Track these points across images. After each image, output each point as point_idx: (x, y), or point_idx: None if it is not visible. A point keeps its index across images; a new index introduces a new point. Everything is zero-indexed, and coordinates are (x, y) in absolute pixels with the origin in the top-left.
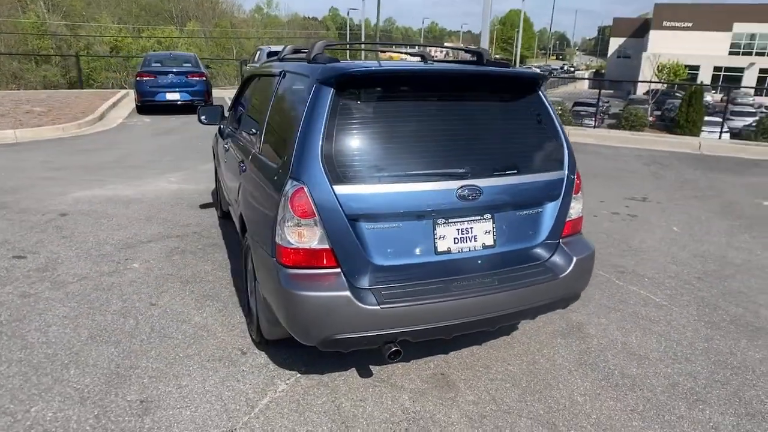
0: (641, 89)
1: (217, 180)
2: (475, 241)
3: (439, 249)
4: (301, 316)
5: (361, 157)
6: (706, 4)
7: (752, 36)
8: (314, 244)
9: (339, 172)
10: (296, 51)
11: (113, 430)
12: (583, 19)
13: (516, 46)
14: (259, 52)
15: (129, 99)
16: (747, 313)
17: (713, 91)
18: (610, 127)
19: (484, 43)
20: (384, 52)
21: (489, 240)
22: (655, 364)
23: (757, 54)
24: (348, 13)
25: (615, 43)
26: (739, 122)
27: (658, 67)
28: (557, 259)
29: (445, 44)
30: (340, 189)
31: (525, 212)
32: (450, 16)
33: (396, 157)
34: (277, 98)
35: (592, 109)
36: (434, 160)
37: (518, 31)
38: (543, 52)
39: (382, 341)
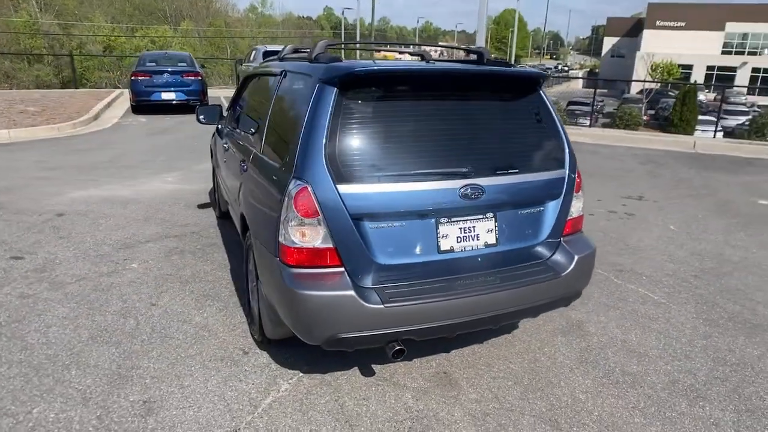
0: (635, 88)
1: (215, 179)
2: (477, 239)
3: (442, 248)
4: (305, 316)
5: (365, 157)
6: (699, 4)
7: (744, 35)
8: (318, 243)
9: (343, 172)
10: (296, 51)
11: (116, 430)
12: (577, 19)
13: (511, 46)
14: (254, 52)
15: (123, 98)
16: (744, 311)
17: (706, 90)
18: (605, 126)
19: (480, 42)
20: (379, 51)
21: (491, 239)
22: (655, 361)
23: (750, 53)
24: (343, 13)
25: (609, 43)
26: (732, 121)
27: (651, 66)
28: (559, 257)
29: (442, 44)
30: (344, 188)
31: (527, 211)
32: (444, 16)
33: (399, 156)
34: (279, 98)
35: (586, 108)
36: (437, 159)
37: (513, 31)
38: (537, 51)
39: (386, 340)
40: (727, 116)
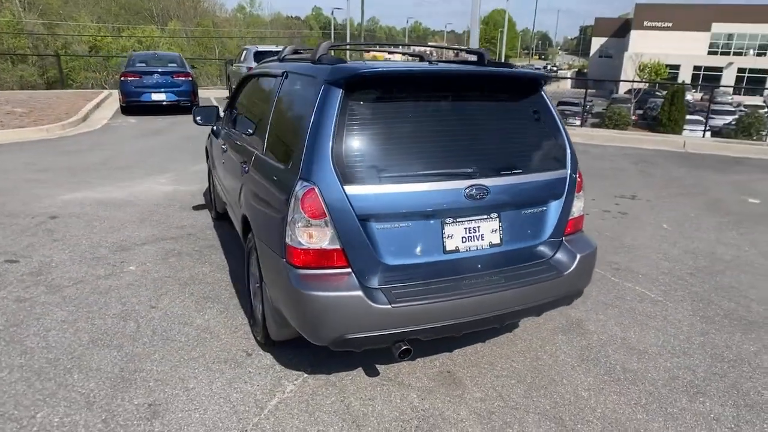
0: (623, 88)
1: (211, 181)
2: (482, 239)
3: (448, 248)
4: (312, 317)
5: (372, 158)
6: (686, 5)
7: (730, 36)
8: (325, 244)
9: (349, 173)
10: (295, 52)
11: None
12: (565, 19)
13: (501, 46)
14: (245, 52)
15: (112, 99)
16: (739, 308)
17: (693, 90)
18: (594, 125)
19: (474, 43)
20: (368, 51)
21: (495, 238)
22: (654, 358)
23: (735, 54)
24: (332, 13)
25: (597, 43)
26: (719, 120)
27: (639, 66)
28: (561, 256)
29: (441, 45)
30: (351, 189)
31: (530, 211)
32: (433, 16)
33: (405, 157)
34: (281, 99)
35: (576, 109)
36: (442, 159)
37: (502, 31)
38: (526, 51)
39: (392, 340)
40: (714, 116)
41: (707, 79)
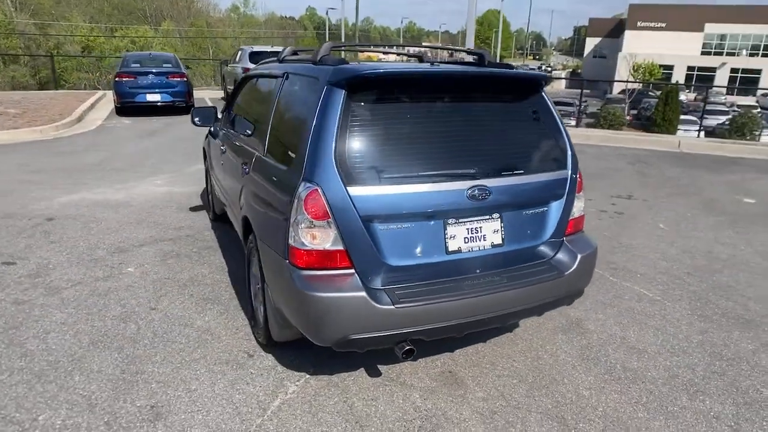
0: (617, 88)
1: (208, 182)
2: (484, 240)
3: (450, 248)
4: (316, 317)
5: (375, 158)
6: (679, 5)
7: (723, 36)
8: (328, 245)
9: (352, 174)
10: (295, 53)
11: None
12: (559, 20)
13: (496, 47)
14: (240, 53)
15: (106, 100)
16: (737, 307)
17: (687, 91)
18: (588, 126)
19: (470, 43)
20: (363, 51)
21: (497, 239)
22: (654, 357)
23: (728, 54)
24: (327, 13)
25: (591, 43)
26: (712, 121)
27: (633, 66)
28: (562, 256)
29: (441, 45)
30: (354, 190)
31: (531, 211)
32: (428, 16)
33: (408, 157)
34: (282, 100)
35: (570, 109)
36: (445, 160)
37: (497, 31)
38: (520, 52)
39: (396, 340)
40: (707, 116)
41: (701, 79)
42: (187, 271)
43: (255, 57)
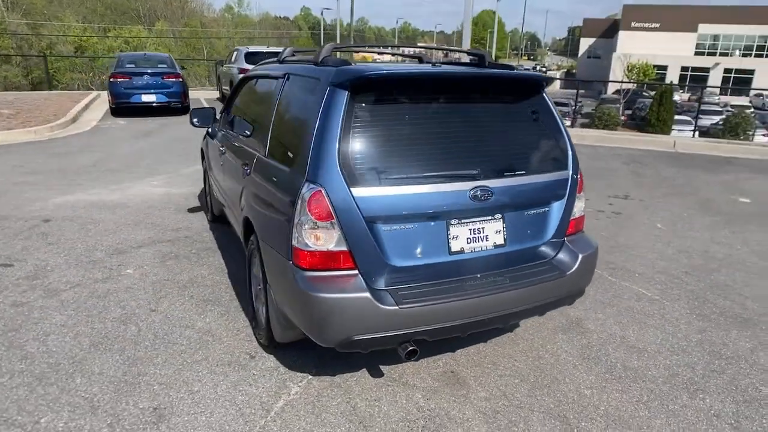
0: (611, 89)
1: (207, 183)
2: (486, 240)
3: (453, 249)
4: (319, 318)
5: (378, 159)
6: (673, 6)
7: (716, 37)
8: (332, 246)
9: (356, 175)
10: (295, 53)
11: None
12: (554, 20)
13: (491, 47)
14: (236, 53)
15: (101, 101)
16: (735, 305)
17: (681, 91)
18: (583, 126)
19: (466, 43)
20: (358, 51)
21: (500, 239)
22: (654, 356)
23: (721, 54)
24: (322, 13)
25: (585, 44)
26: (706, 120)
27: (628, 67)
28: (563, 256)
29: (440, 46)
30: (358, 191)
31: (533, 211)
32: (422, 17)
33: (411, 158)
34: (284, 101)
35: (566, 109)
36: (447, 161)
37: (492, 32)
38: (515, 52)
39: (399, 341)
40: (701, 116)
41: (694, 79)
42: (187, 273)
43: (251, 57)
